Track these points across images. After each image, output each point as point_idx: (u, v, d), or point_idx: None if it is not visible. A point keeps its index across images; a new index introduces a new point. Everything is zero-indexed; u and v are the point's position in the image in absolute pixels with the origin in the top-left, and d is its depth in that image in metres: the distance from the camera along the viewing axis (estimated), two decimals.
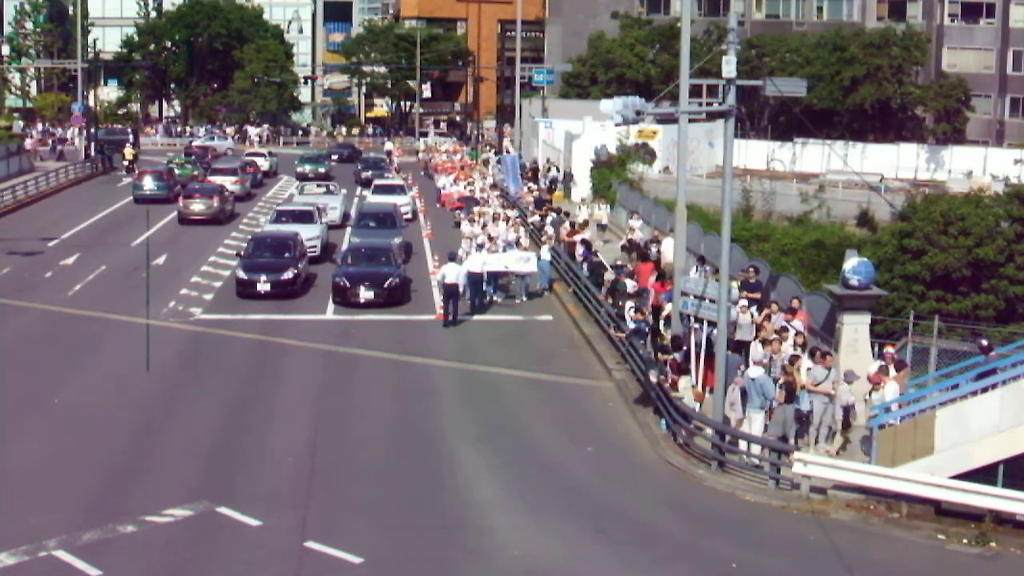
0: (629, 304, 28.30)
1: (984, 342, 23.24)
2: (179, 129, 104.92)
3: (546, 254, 36.32)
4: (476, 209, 43.90)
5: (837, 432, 22.28)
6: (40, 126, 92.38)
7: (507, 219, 40.67)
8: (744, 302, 26.16)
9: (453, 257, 32.94)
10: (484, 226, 38.59)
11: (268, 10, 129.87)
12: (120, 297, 34.79)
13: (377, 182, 56.46)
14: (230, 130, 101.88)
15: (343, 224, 47.97)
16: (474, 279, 33.30)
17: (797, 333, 24.48)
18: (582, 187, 55.01)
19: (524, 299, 34.35)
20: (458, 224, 44.50)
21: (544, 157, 64.94)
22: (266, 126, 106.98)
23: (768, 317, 25.53)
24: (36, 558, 16.92)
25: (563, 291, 35.90)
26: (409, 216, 48.70)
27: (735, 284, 27.37)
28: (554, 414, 24.96)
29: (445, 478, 20.83)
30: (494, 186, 56.14)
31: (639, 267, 34.85)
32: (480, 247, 35.35)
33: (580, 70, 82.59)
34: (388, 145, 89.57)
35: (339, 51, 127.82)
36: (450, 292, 32.04)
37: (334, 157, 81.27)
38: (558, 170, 58.89)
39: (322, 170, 65.91)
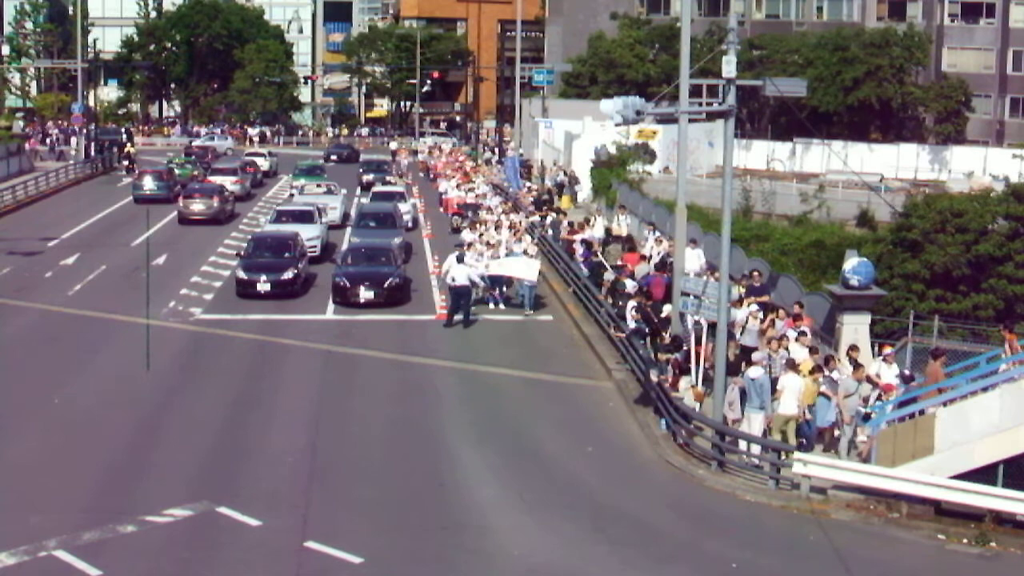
0: (631, 304, 28.28)
1: (906, 372, 22.93)
2: (195, 129, 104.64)
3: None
4: (482, 215, 43.11)
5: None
6: (54, 129, 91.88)
7: (511, 226, 39.01)
8: (755, 307, 26.01)
9: (461, 259, 32.63)
10: (481, 234, 37.10)
11: (268, 10, 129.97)
12: (120, 297, 34.79)
13: (376, 189, 53.94)
14: (252, 132, 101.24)
15: (343, 224, 47.95)
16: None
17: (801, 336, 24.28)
18: (585, 190, 54.88)
19: (531, 311, 33.76)
20: (455, 230, 44.03)
21: (551, 159, 64.39)
22: (279, 127, 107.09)
23: (773, 323, 25.39)
24: (36, 558, 16.92)
25: (563, 291, 35.89)
26: (409, 225, 46.90)
27: (741, 288, 27.31)
28: (554, 414, 24.95)
29: (445, 478, 20.83)
30: (499, 189, 55.08)
31: (624, 257, 35.04)
32: (463, 250, 34.58)
33: (580, 70, 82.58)
34: (393, 145, 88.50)
35: (339, 51, 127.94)
36: (460, 293, 31.90)
37: (333, 157, 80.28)
38: (565, 173, 57.12)
39: (320, 184, 57.86)
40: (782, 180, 59.07)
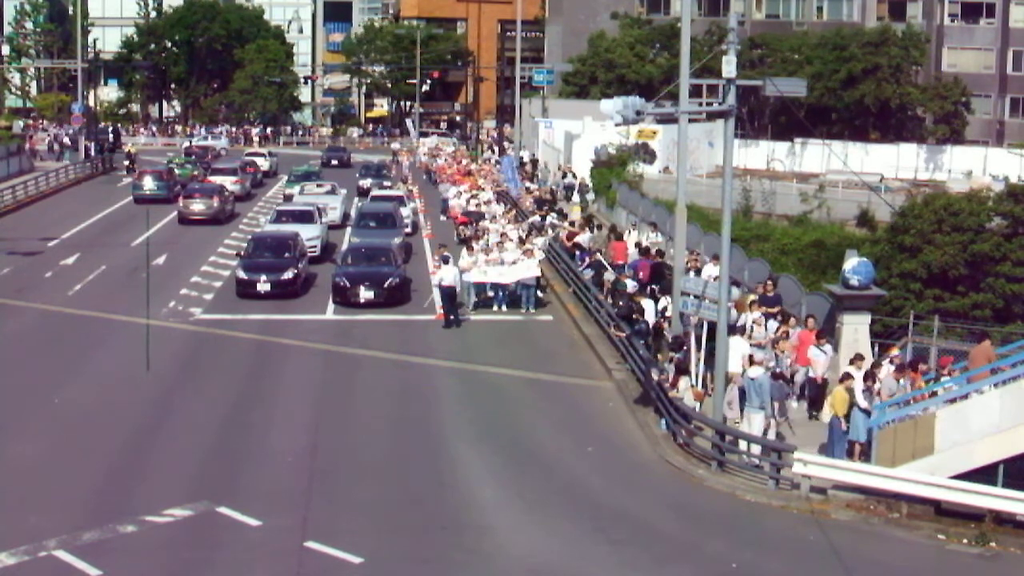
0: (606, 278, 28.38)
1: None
2: (213, 130, 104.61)
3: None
4: (485, 224, 41.82)
5: None
6: (53, 129, 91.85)
7: (517, 237, 37.69)
8: (759, 315, 25.81)
9: (448, 260, 32.80)
10: (472, 241, 36.36)
11: (268, 10, 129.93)
12: (120, 297, 34.79)
13: (374, 192, 52.89)
14: (254, 132, 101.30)
15: (343, 224, 47.93)
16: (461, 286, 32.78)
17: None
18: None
19: (532, 309, 33.78)
20: (461, 240, 43.18)
21: (551, 159, 64.08)
22: (282, 127, 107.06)
23: (787, 334, 25.10)
24: (36, 558, 16.92)
25: (563, 291, 35.89)
26: (409, 229, 45.99)
27: (753, 297, 27.23)
28: (554, 414, 24.96)
29: (445, 478, 20.84)
30: (502, 194, 54.27)
31: (614, 246, 35.24)
32: (445, 251, 34.17)
33: (580, 70, 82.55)
34: (395, 146, 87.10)
35: (339, 51, 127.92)
36: (448, 294, 32.01)
37: (334, 162, 77.24)
38: (575, 176, 55.50)
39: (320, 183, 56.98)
40: (782, 180, 59.03)
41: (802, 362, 24.47)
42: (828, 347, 24.46)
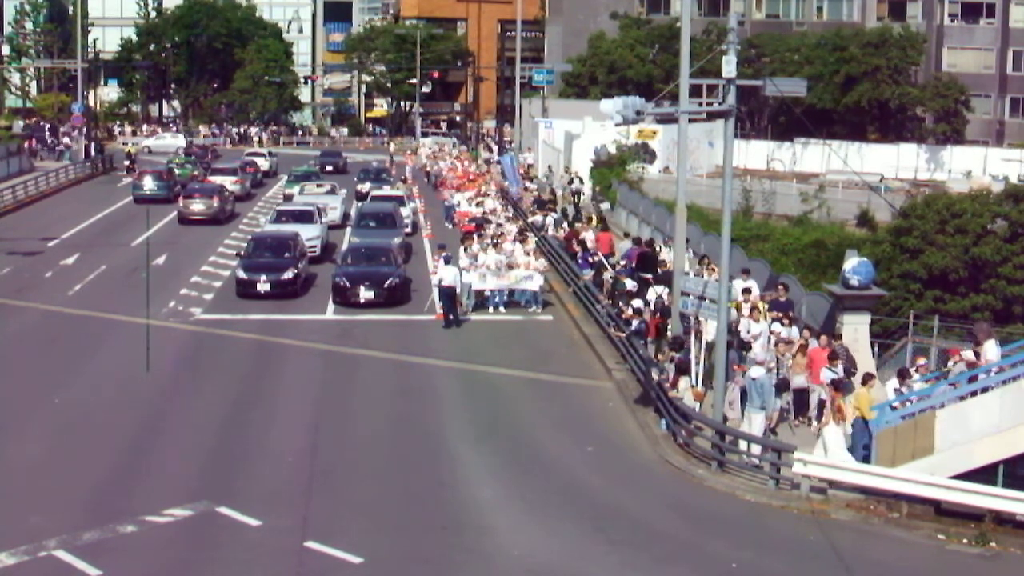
0: (634, 303, 28.31)
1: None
2: (219, 130, 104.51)
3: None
4: (491, 229, 40.67)
5: None
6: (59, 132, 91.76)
7: (519, 240, 37.26)
8: (776, 324, 25.66)
9: (449, 260, 32.82)
10: (468, 243, 36.15)
11: (268, 10, 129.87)
12: (120, 297, 34.80)
13: (373, 193, 52.23)
14: (253, 131, 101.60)
15: (343, 224, 47.93)
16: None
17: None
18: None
19: (533, 309, 33.83)
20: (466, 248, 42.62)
21: (552, 160, 63.90)
22: (279, 127, 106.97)
23: (804, 348, 24.55)
24: (36, 558, 16.92)
25: (563, 291, 35.90)
26: (409, 229, 45.79)
27: (764, 303, 27.12)
28: (554, 414, 24.96)
29: (445, 478, 20.84)
30: (504, 195, 53.56)
31: (598, 237, 35.58)
32: (446, 251, 34.11)
33: (580, 70, 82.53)
34: (392, 147, 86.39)
35: (339, 51, 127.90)
36: (447, 294, 32.03)
37: (329, 168, 72.85)
38: (581, 181, 53.90)
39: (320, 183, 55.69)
40: (782, 180, 59.07)
41: (815, 380, 24.25)
42: (840, 367, 24.24)
